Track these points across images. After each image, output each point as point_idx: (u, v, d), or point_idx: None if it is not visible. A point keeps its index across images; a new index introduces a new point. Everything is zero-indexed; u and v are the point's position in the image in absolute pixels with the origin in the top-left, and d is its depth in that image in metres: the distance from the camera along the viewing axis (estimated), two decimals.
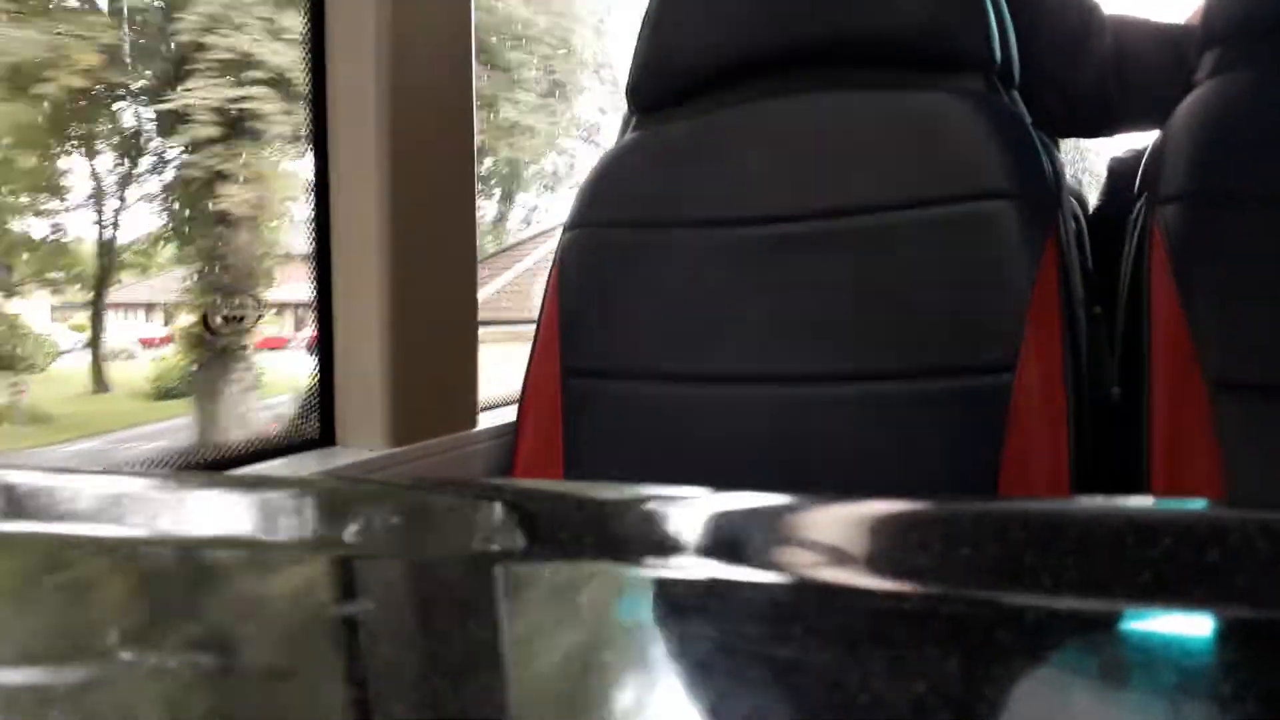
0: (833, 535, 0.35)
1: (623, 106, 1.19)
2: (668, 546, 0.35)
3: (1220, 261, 0.82)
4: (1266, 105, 0.85)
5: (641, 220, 1.03)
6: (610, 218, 1.06)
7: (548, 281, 1.09)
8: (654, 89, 1.10)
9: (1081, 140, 1.75)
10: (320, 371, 1.00)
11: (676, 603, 0.31)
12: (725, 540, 0.35)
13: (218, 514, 0.44)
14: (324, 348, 1.00)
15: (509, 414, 1.14)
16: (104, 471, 0.48)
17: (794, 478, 0.91)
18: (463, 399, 1.07)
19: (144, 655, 0.28)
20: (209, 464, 0.91)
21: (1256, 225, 0.81)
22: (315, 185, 0.99)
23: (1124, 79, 1.29)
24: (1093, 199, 2.14)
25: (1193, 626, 0.27)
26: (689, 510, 0.37)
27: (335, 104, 0.98)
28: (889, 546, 0.33)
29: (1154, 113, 1.05)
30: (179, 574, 0.38)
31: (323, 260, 1.00)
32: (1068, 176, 1.60)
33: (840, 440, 0.90)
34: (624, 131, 1.15)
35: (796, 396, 0.93)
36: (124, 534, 0.41)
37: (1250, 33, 0.90)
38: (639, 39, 1.10)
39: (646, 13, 1.09)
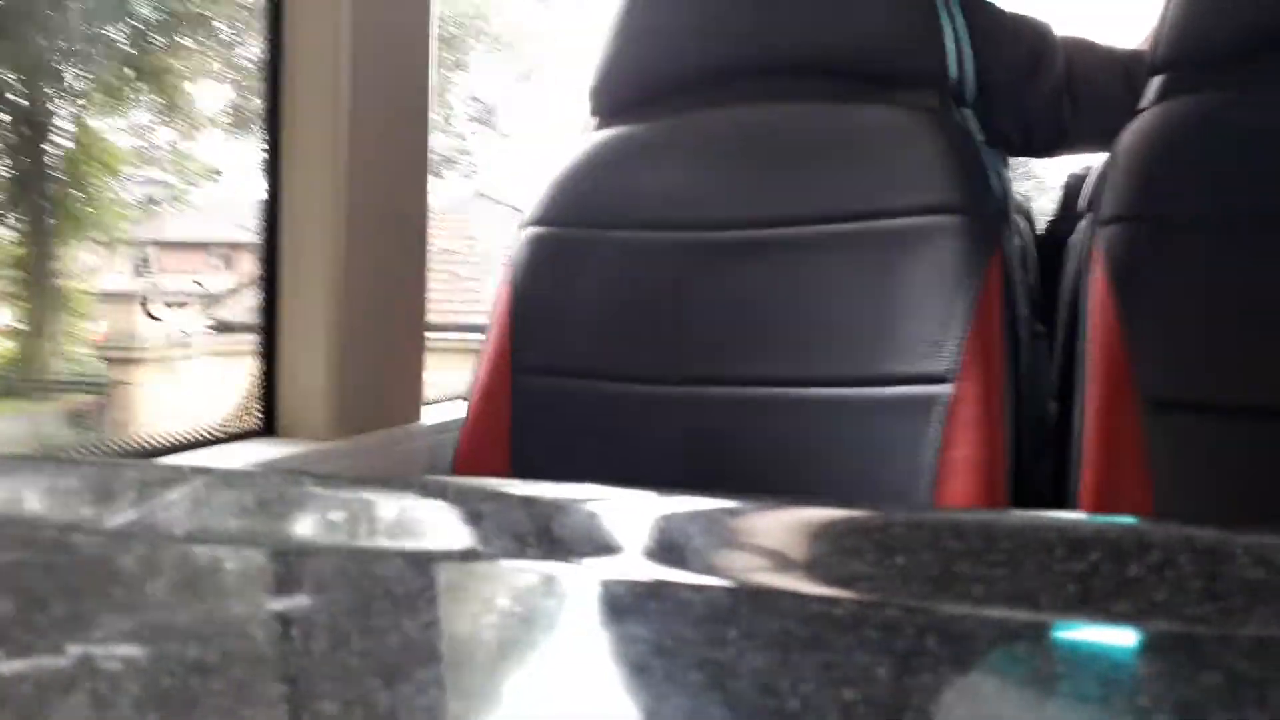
0: (772, 540, 0.35)
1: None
2: (609, 547, 0.35)
3: (1157, 283, 0.84)
4: (1210, 131, 0.88)
5: (596, 221, 1.04)
6: (565, 218, 1.06)
7: (501, 278, 1.08)
8: (615, 93, 1.10)
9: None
10: (263, 360, 0.99)
11: (616, 604, 0.31)
12: (666, 543, 0.35)
13: (156, 504, 0.43)
14: (267, 336, 0.99)
15: (454, 409, 1.13)
16: (27, 458, 0.47)
17: (736, 479, 0.92)
18: (408, 392, 1.06)
19: (76, 647, 0.27)
20: (143, 451, 0.89)
21: (1193, 249, 0.84)
22: (267, 171, 0.98)
23: (1076, 101, 1.32)
24: (1044, 216, 2.18)
25: (1115, 638, 0.28)
26: (631, 512, 0.37)
27: (289, 89, 0.97)
28: (825, 552, 0.33)
29: (1104, 134, 1.08)
30: (111, 565, 0.37)
31: (270, 246, 0.98)
32: (1017, 194, 1.63)
33: (783, 444, 0.92)
34: (581, 133, 1.15)
35: (741, 399, 0.94)
36: (52, 521, 0.40)
37: (1196, 61, 0.92)
38: (606, 42, 1.11)
39: (614, 16, 1.10)
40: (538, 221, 1.07)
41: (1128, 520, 0.35)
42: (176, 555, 0.37)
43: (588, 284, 1.03)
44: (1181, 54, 0.93)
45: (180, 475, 0.48)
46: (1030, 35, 1.32)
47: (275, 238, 0.98)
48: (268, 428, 0.98)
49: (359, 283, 0.97)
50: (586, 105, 1.16)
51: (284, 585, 0.35)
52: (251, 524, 0.41)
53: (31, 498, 0.43)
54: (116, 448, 0.88)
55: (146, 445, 0.90)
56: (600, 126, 1.12)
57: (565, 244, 1.05)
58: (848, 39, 1.00)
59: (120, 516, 0.41)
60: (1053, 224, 2.13)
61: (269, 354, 0.99)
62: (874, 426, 0.88)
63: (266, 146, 0.98)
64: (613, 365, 1.00)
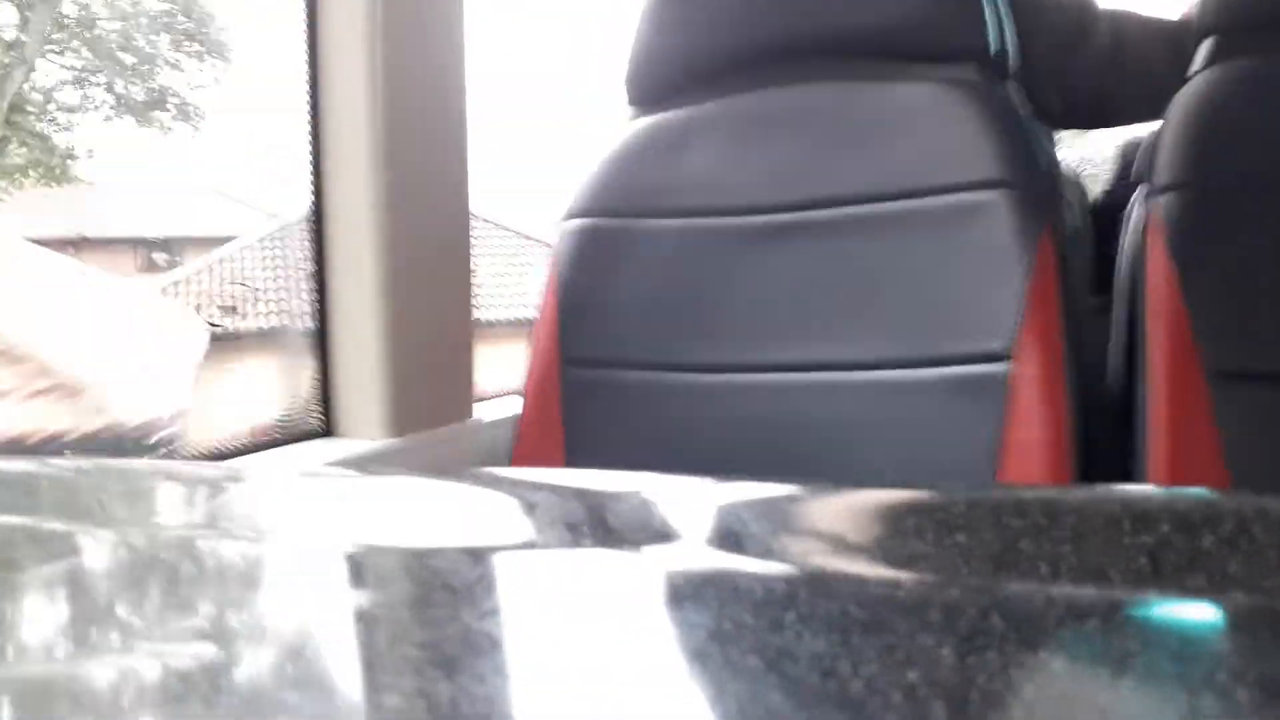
0: (829, 524, 0.35)
1: None
2: (665, 535, 0.35)
3: (1218, 251, 0.82)
4: (1262, 94, 0.85)
5: (639, 210, 1.03)
6: (607, 208, 1.06)
7: (546, 272, 1.09)
8: (651, 81, 1.09)
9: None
10: (320, 363, 1.00)
11: (673, 591, 0.31)
12: (722, 530, 0.35)
13: (216, 503, 0.44)
14: (322, 339, 1.00)
15: (508, 404, 1.14)
16: (95, 460, 0.48)
17: (791, 466, 0.91)
18: (460, 389, 1.07)
19: (137, 645, 0.28)
20: (209, 455, 0.91)
21: (1254, 214, 0.81)
22: (313, 177, 0.99)
23: (1122, 70, 1.29)
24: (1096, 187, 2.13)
25: (1189, 613, 0.27)
26: (686, 499, 0.37)
27: (327, 94, 0.98)
28: (885, 534, 0.33)
29: (1152, 104, 1.05)
30: (173, 564, 0.38)
31: (319, 251, 1.00)
32: (1070, 164, 1.60)
33: (837, 429, 0.91)
34: (621, 123, 1.15)
35: (793, 385, 0.93)
36: (120, 524, 0.41)
37: (1246, 23, 0.90)
38: (638, 29, 1.10)
39: (645, 4, 1.09)
40: (579, 213, 1.07)
41: (1197, 492, 0.34)
42: (240, 554, 0.38)
43: (632, 273, 1.03)
44: (1229, 17, 0.90)
45: (242, 475, 0.49)
46: (1073, 6, 1.29)
47: (322, 242, 1.00)
48: (326, 428, 1.00)
49: (406, 282, 0.98)
50: (623, 95, 1.15)
51: (345, 581, 0.36)
52: (309, 522, 0.42)
53: (103, 500, 0.44)
54: (182, 453, 0.90)
55: (213, 450, 0.92)
56: (637, 115, 1.12)
57: (607, 234, 1.05)
58: (885, 16, 0.98)
59: (187, 517, 0.42)
60: (1108, 193, 2.08)
61: (325, 356, 1.00)
62: (932, 408, 0.87)
63: (311, 152, 0.99)
64: (661, 354, 1.00)
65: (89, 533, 0.40)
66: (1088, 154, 1.86)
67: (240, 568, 0.37)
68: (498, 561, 0.34)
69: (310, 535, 0.40)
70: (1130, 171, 1.91)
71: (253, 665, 0.27)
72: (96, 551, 0.38)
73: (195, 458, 0.92)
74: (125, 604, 0.34)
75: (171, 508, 0.44)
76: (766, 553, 0.33)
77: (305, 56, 0.99)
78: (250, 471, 0.62)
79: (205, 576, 0.37)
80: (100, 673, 0.26)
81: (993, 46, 0.98)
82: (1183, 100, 0.90)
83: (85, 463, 0.51)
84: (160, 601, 0.33)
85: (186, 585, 0.35)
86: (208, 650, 0.28)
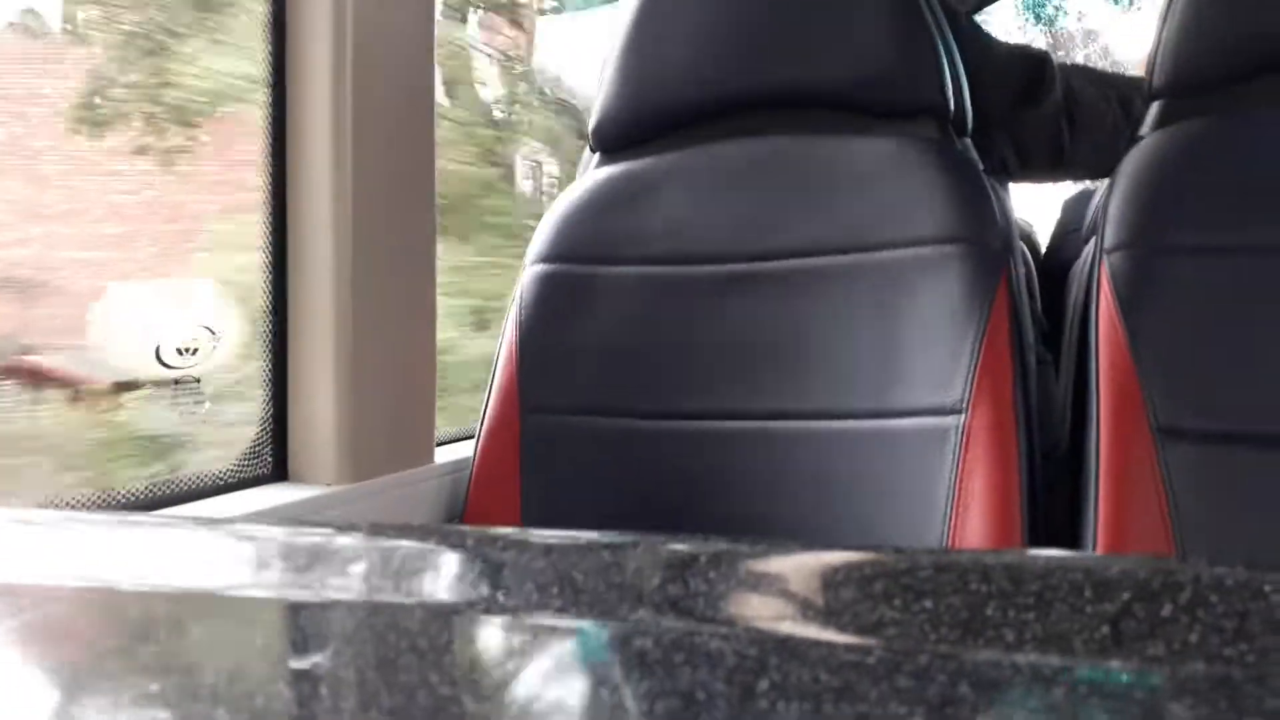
0: (797, 585, 0.35)
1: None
2: (632, 597, 0.35)
3: (1164, 311, 0.84)
4: (1209, 159, 0.88)
5: (601, 258, 1.04)
6: (569, 254, 1.06)
7: (506, 317, 1.09)
8: (617, 128, 1.11)
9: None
10: (274, 403, 0.99)
11: (644, 656, 0.30)
12: (691, 591, 0.35)
13: (163, 556, 0.43)
14: (277, 379, 0.99)
15: (466, 448, 1.13)
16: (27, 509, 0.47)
17: (748, 516, 0.91)
18: (420, 433, 1.06)
19: (98, 709, 0.27)
20: (150, 502, 0.89)
21: (1199, 278, 0.84)
22: (272, 210, 0.98)
23: (1074, 128, 1.33)
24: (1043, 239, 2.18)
25: (1150, 682, 0.27)
26: (653, 558, 0.37)
27: (293, 127, 0.98)
28: (853, 598, 0.33)
29: (1104, 161, 1.09)
30: (125, 621, 0.37)
31: (278, 288, 0.98)
32: (1020, 220, 1.64)
33: (794, 479, 0.91)
34: (584, 169, 1.16)
35: (751, 433, 0.94)
36: (60, 576, 0.40)
37: (1193, 87, 0.93)
38: (603, 79, 1.12)
39: (611, 54, 1.11)
40: (543, 259, 1.07)
41: (1154, 559, 0.35)
42: (193, 612, 0.37)
43: (593, 320, 1.03)
44: (1178, 80, 0.94)
45: (192, 525, 0.48)
46: (1027, 64, 1.33)
47: (283, 281, 0.98)
48: (279, 472, 0.98)
49: (368, 324, 0.97)
50: (589, 142, 1.17)
51: (304, 640, 0.35)
52: (270, 575, 0.41)
53: (44, 553, 0.43)
54: (127, 495, 0.88)
55: (158, 493, 0.90)
56: (603, 163, 1.13)
57: (570, 281, 1.05)
58: (846, 71, 1.01)
59: (132, 572, 0.41)
60: (1051, 249, 2.14)
61: (279, 397, 0.99)
62: (888, 459, 0.88)
63: (271, 187, 0.98)
64: (620, 401, 1.00)
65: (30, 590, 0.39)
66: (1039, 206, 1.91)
67: (190, 627, 0.37)
68: (464, 623, 0.34)
69: (266, 589, 0.39)
70: (1078, 224, 1.97)
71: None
72: (40, 609, 0.37)
73: (142, 501, 0.90)
74: (69, 665, 0.33)
75: (117, 561, 0.43)
76: (735, 616, 0.33)
77: (268, 94, 0.98)
78: (196, 520, 0.61)
79: (152, 637, 0.36)
80: None
81: (950, 103, 1.01)
82: (1132, 160, 0.93)
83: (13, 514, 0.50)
84: (108, 665, 0.32)
85: (132, 646, 0.34)
86: (162, 714, 0.27)
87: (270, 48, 0.98)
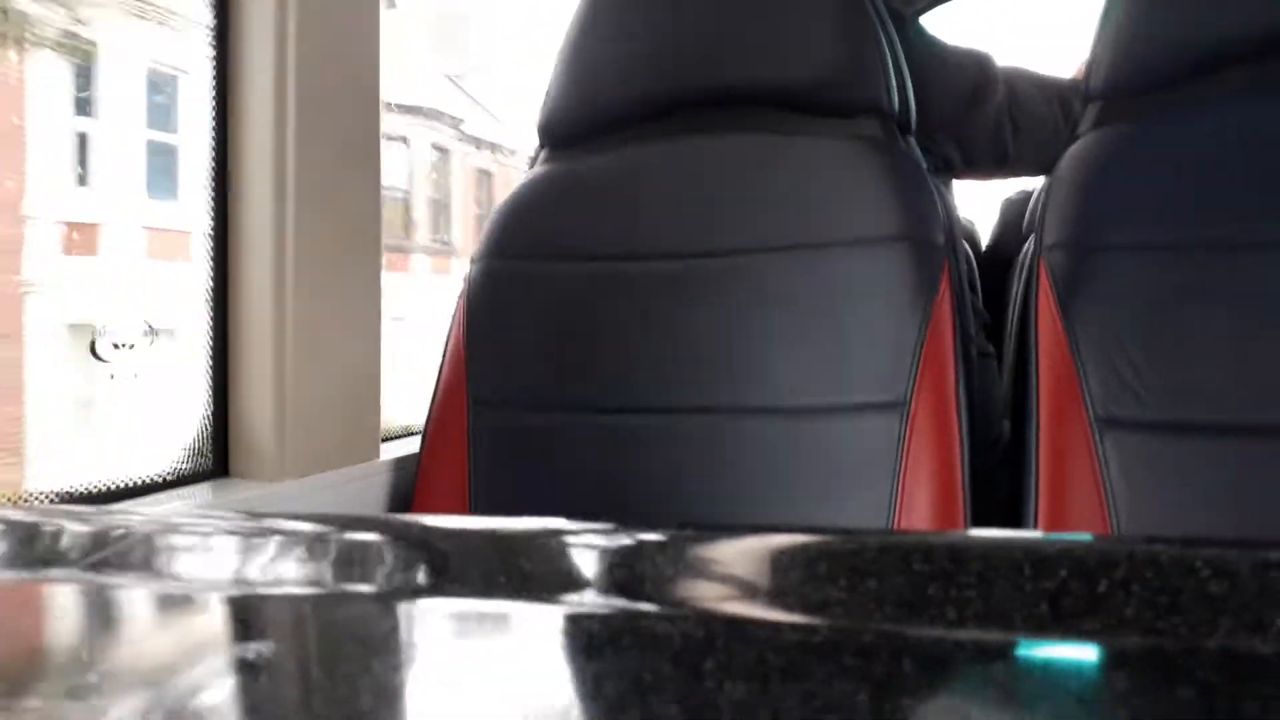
0: (742, 568, 0.35)
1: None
2: (579, 582, 0.35)
3: (1103, 305, 0.86)
4: (1142, 159, 0.90)
5: (548, 254, 1.04)
6: (518, 250, 1.06)
7: (454, 312, 1.08)
8: (566, 125, 1.10)
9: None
10: (215, 397, 0.97)
11: (591, 640, 0.30)
12: (636, 575, 0.35)
13: (110, 550, 0.42)
14: (217, 373, 0.97)
15: (411, 444, 1.12)
16: None
17: (697, 508, 0.92)
18: (366, 429, 1.05)
19: (34, 701, 0.26)
20: (95, 496, 0.87)
21: (1134, 275, 0.86)
22: (213, 203, 0.96)
23: (1016, 127, 1.36)
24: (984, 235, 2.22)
25: (1088, 655, 0.28)
26: (599, 544, 0.37)
27: (236, 117, 0.96)
28: (798, 579, 0.33)
29: (1044, 159, 1.11)
30: (75, 613, 0.36)
31: (219, 280, 0.96)
32: (962, 218, 1.67)
33: (739, 472, 0.92)
34: (533, 164, 1.15)
35: (696, 427, 0.94)
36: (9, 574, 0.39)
37: (1128, 88, 0.95)
38: (554, 75, 1.11)
39: (561, 50, 1.11)
40: (490, 254, 1.07)
41: (1085, 538, 0.36)
42: (135, 604, 0.36)
43: (539, 316, 1.03)
44: (1114, 82, 0.96)
45: (135, 521, 0.47)
46: (970, 65, 1.36)
47: (224, 272, 0.96)
48: (221, 469, 0.96)
49: (310, 319, 0.96)
50: (535, 139, 1.16)
51: (250, 631, 0.34)
52: (213, 570, 0.40)
53: None
54: (66, 493, 0.86)
55: (98, 489, 0.87)
56: (549, 160, 1.13)
57: (516, 276, 1.05)
58: (790, 71, 1.01)
59: (76, 567, 0.40)
60: (992, 246, 2.18)
61: (219, 391, 0.97)
62: (834, 451, 0.89)
63: (213, 180, 0.96)
64: (566, 396, 1.00)
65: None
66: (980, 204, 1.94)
67: (124, 612, 0.36)
68: (410, 611, 0.34)
69: (213, 581, 0.38)
70: (1016, 221, 2.01)
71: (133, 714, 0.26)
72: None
73: (81, 497, 0.87)
74: (12, 656, 0.32)
75: (58, 556, 0.42)
76: (681, 599, 0.33)
77: (212, 83, 0.96)
78: (139, 516, 0.60)
79: (95, 630, 0.35)
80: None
81: (894, 103, 1.02)
82: (1070, 160, 0.95)
83: None
84: (49, 656, 0.32)
85: (78, 638, 0.33)
86: (103, 704, 0.26)
87: (214, 41, 0.96)
